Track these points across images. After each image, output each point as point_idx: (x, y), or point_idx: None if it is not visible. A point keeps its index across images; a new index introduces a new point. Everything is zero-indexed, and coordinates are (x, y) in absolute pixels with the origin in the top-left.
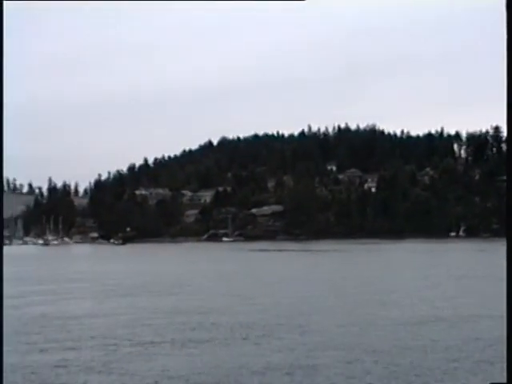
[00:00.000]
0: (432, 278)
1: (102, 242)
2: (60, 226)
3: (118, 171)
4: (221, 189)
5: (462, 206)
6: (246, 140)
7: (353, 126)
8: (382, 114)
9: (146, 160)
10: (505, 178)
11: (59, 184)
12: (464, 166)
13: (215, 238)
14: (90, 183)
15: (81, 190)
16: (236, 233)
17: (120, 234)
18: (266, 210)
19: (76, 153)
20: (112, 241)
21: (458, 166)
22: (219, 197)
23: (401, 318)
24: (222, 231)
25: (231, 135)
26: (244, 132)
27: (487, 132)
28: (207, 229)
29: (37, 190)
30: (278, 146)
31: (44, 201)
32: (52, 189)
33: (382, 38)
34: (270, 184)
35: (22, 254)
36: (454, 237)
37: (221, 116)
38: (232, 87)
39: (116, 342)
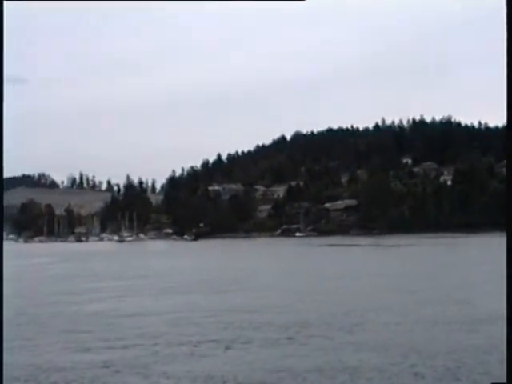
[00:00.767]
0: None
1: (175, 238)
2: (135, 223)
3: (191, 167)
4: (293, 183)
5: None
6: (320, 134)
7: (428, 119)
8: (458, 106)
9: (219, 156)
10: None
11: (136, 181)
12: None
13: (288, 233)
14: (166, 180)
15: (158, 186)
16: (309, 228)
17: (193, 230)
18: (340, 204)
19: (153, 150)
20: (185, 237)
21: None
22: (292, 191)
23: (468, 317)
24: (294, 226)
25: (305, 130)
26: (318, 126)
27: None
28: (280, 224)
29: (115, 187)
30: (352, 140)
31: (120, 198)
32: (128, 186)
33: (457, 29)
34: (344, 178)
35: (95, 250)
36: None
37: (295, 111)
38: (306, 82)
39: (161, 342)
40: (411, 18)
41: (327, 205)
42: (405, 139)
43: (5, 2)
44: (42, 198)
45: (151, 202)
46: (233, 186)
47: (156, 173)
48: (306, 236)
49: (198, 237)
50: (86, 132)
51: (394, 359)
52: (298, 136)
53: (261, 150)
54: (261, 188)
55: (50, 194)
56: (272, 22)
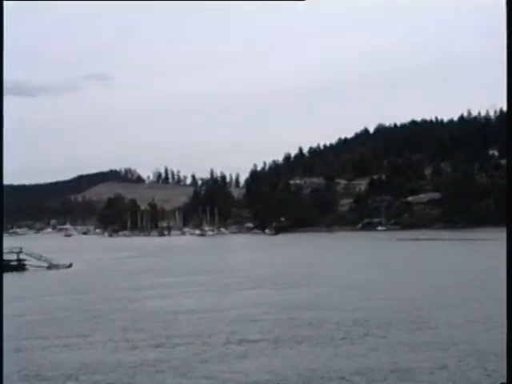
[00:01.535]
0: None
1: (256, 232)
2: (216, 217)
3: (273, 161)
4: (376, 177)
5: None
6: (403, 127)
7: None
8: None
9: (301, 149)
10: None
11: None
12: None
13: (370, 226)
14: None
15: (242, 180)
16: (391, 221)
17: (274, 224)
18: (423, 197)
19: (236, 144)
20: (266, 231)
21: None
22: (374, 185)
23: None
24: (376, 220)
25: (388, 122)
26: (401, 119)
27: None
28: (362, 218)
29: (199, 182)
30: (436, 132)
31: (202, 192)
32: (212, 180)
33: None
34: (427, 171)
35: (176, 244)
36: None
37: (377, 103)
38: (388, 74)
39: (213, 341)
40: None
41: (410, 198)
42: (491, 130)
43: (5, 2)
44: (128, 192)
45: (233, 197)
46: (314, 180)
47: (240, 167)
48: (388, 230)
49: (278, 231)
50: (169, 128)
51: (449, 360)
52: (380, 129)
53: (343, 144)
54: (342, 181)
55: (136, 189)
56: (355, 18)
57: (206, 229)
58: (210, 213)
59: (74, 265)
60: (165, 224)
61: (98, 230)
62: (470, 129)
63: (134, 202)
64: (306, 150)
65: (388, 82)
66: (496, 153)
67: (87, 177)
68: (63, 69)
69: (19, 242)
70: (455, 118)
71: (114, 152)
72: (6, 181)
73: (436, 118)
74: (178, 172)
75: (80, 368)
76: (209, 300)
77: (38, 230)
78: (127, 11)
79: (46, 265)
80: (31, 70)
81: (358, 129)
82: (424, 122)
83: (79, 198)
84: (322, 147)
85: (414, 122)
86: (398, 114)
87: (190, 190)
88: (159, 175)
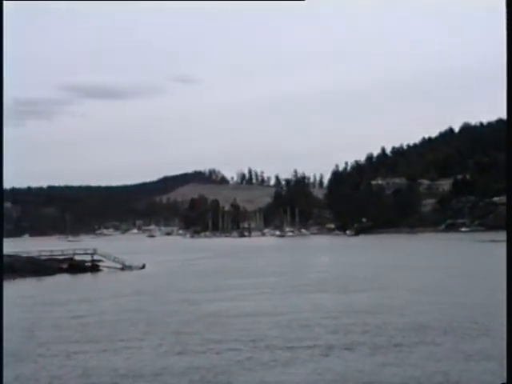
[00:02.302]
0: None
1: (337, 234)
2: (297, 218)
3: (356, 161)
4: (460, 177)
5: None
6: (490, 125)
7: None
8: None
9: (383, 149)
10: None
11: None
12: None
13: (453, 227)
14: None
15: (325, 181)
16: (476, 222)
17: (355, 225)
18: None
19: (319, 145)
20: (347, 232)
21: None
22: (458, 185)
23: None
24: (460, 221)
25: (474, 121)
26: (488, 117)
27: None
28: (445, 218)
29: (283, 182)
30: None
31: (283, 193)
32: (294, 181)
33: None
34: None
35: (255, 245)
36: None
37: (463, 102)
38: (474, 71)
39: (261, 346)
40: None
41: (496, 199)
42: None
43: (5, 2)
44: (211, 193)
45: (314, 197)
46: (396, 181)
47: (325, 168)
48: (472, 231)
49: (358, 232)
50: (255, 130)
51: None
52: (466, 128)
53: (427, 143)
54: (425, 182)
55: (220, 190)
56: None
57: (286, 230)
58: (291, 214)
59: (146, 266)
60: (246, 225)
61: (180, 231)
62: None
63: (216, 202)
64: (388, 150)
65: (474, 79)
66: None
67: (172, 178)
68: (149, 71)
69: (103, 243)
70: None
71: (200, 153)
72: (96, 182)
73: None
74: (262, 173)
75: (122, 375)
76: (269, 303)
77: (124, 231)
78: (201, 12)
79: (119, 266)
80: (119, 73)
81: (443, 128)
82: None
83: (164, 199)
84: (405, 147)
85: (500, 121)
86: (484, 113)
87: (274, 191)
88: (243, 176)
